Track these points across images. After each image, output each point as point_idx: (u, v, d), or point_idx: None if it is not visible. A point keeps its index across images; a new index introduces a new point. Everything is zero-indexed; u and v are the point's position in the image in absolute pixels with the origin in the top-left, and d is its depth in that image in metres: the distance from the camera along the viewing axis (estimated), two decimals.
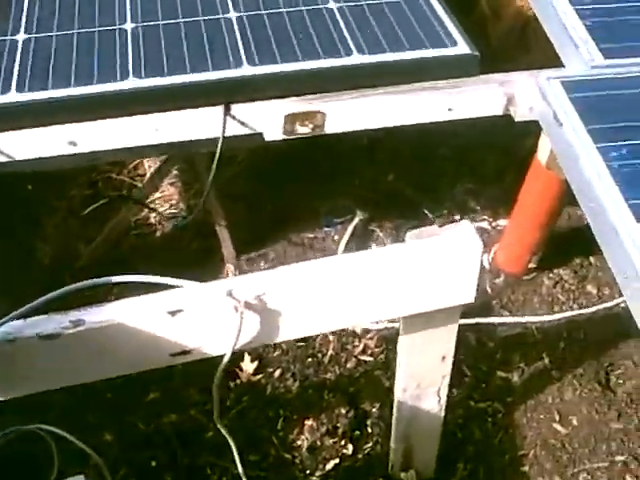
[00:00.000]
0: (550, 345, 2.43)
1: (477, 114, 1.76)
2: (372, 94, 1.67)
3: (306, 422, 2.25)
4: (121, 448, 2.18)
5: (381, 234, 2.64)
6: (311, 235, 2.65)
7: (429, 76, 1.69)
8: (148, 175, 2.79)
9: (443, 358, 1.78)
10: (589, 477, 2.16)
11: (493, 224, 2.71)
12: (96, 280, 1.36)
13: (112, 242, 2.58)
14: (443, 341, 1.73)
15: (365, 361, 2.36)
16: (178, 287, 1.38)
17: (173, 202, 2.77)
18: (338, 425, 2.24)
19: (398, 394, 1.87)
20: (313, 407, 2.29)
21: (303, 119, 1.72)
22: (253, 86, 1.66)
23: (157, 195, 2.73)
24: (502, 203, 2.74)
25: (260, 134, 1.71)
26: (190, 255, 2.61)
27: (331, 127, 1.73)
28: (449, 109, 1.70)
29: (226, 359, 1.37)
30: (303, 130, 1.73)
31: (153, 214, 2.70)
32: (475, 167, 2.87)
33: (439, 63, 1.68)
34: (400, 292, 1.48)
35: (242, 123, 1.69)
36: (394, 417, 1.93)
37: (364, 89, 1.71)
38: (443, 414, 1.93)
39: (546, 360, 2.38)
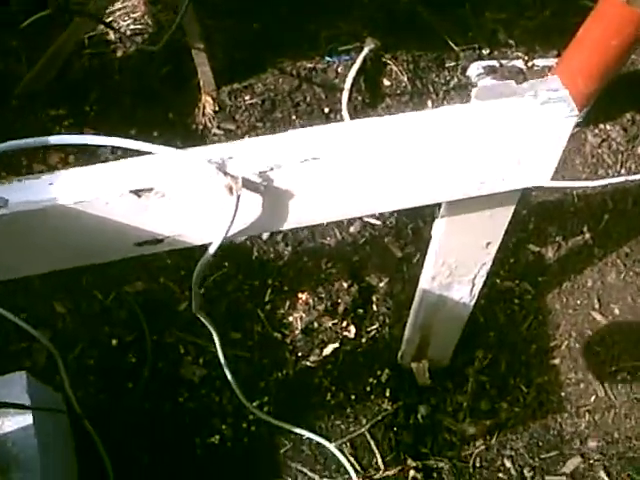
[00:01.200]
0: (592, 216, 2.04)
1: None
2: None
3: (300, 296, 1.87)
4: (75, 323, 1.79)
5: (396, 68, 2.15)
6: (309, 65, 2.13)
7: None
8: None
9: (487, 244, 1.40)
10: (629, 377, 1.84)
11: (529, 63, 2.23)
12: (27, 141, 0.90)
13: (59, 64, 2.05)
14: (492, 226, 1.34)
15: (372, 225, 1.96)
16: (147, 153, 0.94)
17: (137, 15, 2.22)
18: (339, 302, 1.86)
19: (425, 283, 1.50)
20: (308, 278, 1.90)
21: None
22: None
23: (118, 5, 2.18)
24: (540, 38, 2.28)
25: None
26: (158, 84, 2.12)
27: None
28: None
29: (212, 250, 0.99)
30: None
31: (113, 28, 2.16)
32: None
33: None
34: (458, 168, 1.06)
35: None
36: (414, 306, 1.56)
37: None
38: (473, 304, 1.56)
39: (587, 234, 2.00)
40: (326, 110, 2.09)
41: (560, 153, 1.13)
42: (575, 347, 1.86)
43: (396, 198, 1.10)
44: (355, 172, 1.00)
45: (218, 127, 2.03)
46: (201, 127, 2.04)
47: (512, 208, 1.31)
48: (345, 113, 2.05)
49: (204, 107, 2.04)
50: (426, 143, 1.00)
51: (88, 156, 1.99)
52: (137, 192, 0.92)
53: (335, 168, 0.98)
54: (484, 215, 1.29)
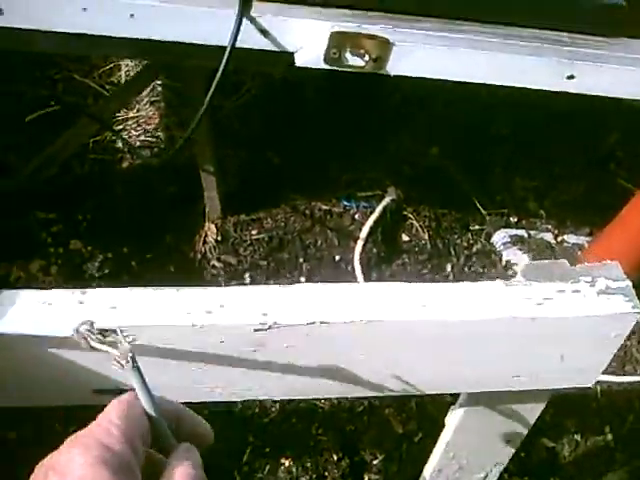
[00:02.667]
0: (616, 415, 1.84)
1: (612, 92, 1.24)
2: (465, 30, 1.15)
3: (282, 462, 1.65)
4: None
5: (416, 223, 2.00)
6: (325, 207, 1.99)
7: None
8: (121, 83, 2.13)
9: (507, 442, 1.21)
10: None
11: (559, 238, 2.09)
12: None
13: (57, 164, 1.90)
14: (516, 423, 1.15)
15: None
16: None
17: (150, 127, 2.09)
18: (325, 475, 1.63)
19: (429, 474, 1.28)
20: (295, 442, 1.68)
21: (358, 44, 1.17)
22: None
23: (131, 114, 2.06)
24: (572, 212, 2.15)
25: (288, 54, 1.19)
26: (160, 203, 1.95)
27: (396, 66, 1.16)
28: (569, 76, 1.21)
29: None
30: (354, 61, 1.21)
31: (122, 137, 2.02)
32: (540, 158, 2.24)
33: None
34: (490, 356, 0.88)
35: (263, 32, 1.14)
36: None
37: (457, 21, 1.15)
38: None
39: (608, 435, 1.80)
40: (337, 258, 1.92)
41: (613, 354, 0.96)
42: None
43: (408, 382, 0.90)
44: (367, 345, 0.82)
45: (218, 259, 1.86)
46: (199, 256, 1.87)
47: (542, 406, 1.13)
48: (357, 264, 1.89)
49: (206, 235, 1.88)
50: (455, 322, 0.82)
51: (72, 269, 1.81)
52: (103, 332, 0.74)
53: (346, 337, 0.80)
54: (508, 410, 1.10)
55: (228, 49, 1.09)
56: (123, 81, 2.13)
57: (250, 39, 1.13)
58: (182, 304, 0.76)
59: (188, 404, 0.71)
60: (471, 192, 2.13)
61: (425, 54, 1.15)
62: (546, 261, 0.90)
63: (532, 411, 1.13)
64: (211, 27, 1.11)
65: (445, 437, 1.21)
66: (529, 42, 1.16)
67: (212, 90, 1.14)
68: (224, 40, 1.10)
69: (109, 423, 0.58)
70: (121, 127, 2.06)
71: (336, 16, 1.13)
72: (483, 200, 2.13)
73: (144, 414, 0.61)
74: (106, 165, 2.02)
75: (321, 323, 0.77)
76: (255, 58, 1.21)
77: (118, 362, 0.62)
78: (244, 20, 1.10)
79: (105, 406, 0.64)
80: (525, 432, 1.19)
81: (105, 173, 2.00)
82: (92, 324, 0.66)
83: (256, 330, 0.77)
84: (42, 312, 0.75)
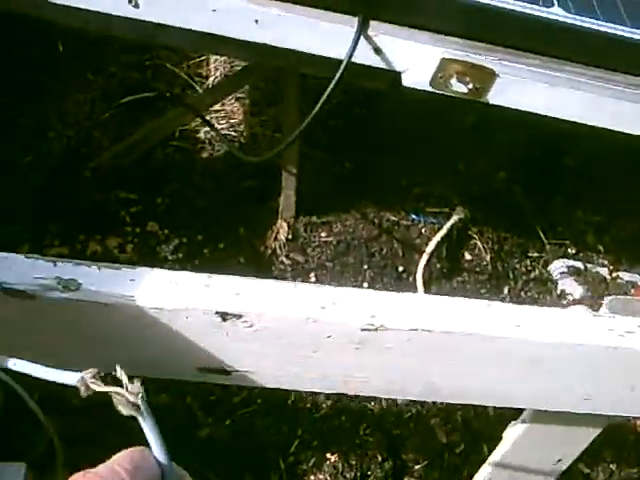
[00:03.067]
0: None
1: None
2: (566, 70, 1.20)
3: (328, 456, 1.71)
4: None
5: (480, 244, 2.06)
6: (393, 217, 2.05)
7: None
8: (212, 80, 2.20)
9: (558, 461, 1.25)
10: None
11: (613, 274, 2.14)
12: None
13: (145, 148, 1.99)
14: (572, 444, 1.21)
15: (422, 402, 1.80)
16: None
17: (234, 122, 2.17)
18: (369, 474, 1.70)
19: None
20: (342, 439, 1.74)
21: (464, 72, 1.21)
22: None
23: (216, 107, 2.13)
24: (628, 250, 2.19)
25: (395, 74, 1.25)
26: (237, 195, 2.02)
27: (497, 96, 1.22)
28: None
29: None
30: (458, 87, 1.24)
31: (205, 128, 2.10)
32: (605, 194, 2.28)
33: None
34: (565, 378, 0.94)
35: (377, 50, 1.16)
36: None
37: (559, 60, 1.21)
38: None
39: None
40: (400, 268, 1.98)
41: None
42: None
43: (486, 395, 0.97)
44: (458, 355, 0.88)
45: (287, 256, 1.93)
46: (270, 252, 1.94)
47: (599, 431, 1.19)
48: (419, 277, 1.95)
49: (278, 232, 1.95)
50: (545, 344, 0.88)
51: (147, 249, 1.89)
52: (224, 315, 0.81)
53: (442, 345, 0.86)
54: (567, 430, 1.16)
55: (345, 62, 1.16)
56: (212, 74, 2.21)
57: (363, 55, 1.19)
58: (299, 298, 0.84)
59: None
60: (534, 219, 2.18)
61: (526, 88, 1.21)
62: (629, 297, 0.96)
63: (588, 435, 1.18)
64: (330, 40, 1.18)
65: (502, 449, 1.26)
66: (626, 88, 1.22)
67: (323, 99, 1.20)
68: (341, 53, 1.17)
69: (118, 466, 0.54)
70: (207, 119, 2.13)
71: (445, 42, 1.20)
72: (544, 228, 2.18)
73: (156, 466, 0.57)
74: (188, 154, 2.09)
75: (422, 330, 0.84)
76: (363, 73, 1.28)
77: (127, 404, 0.57)
78: (361, 37, 1.17)
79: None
80: (577, 454, 1.24)
81: (186, 161, 2.07)
82: (97, 373, 0.59)
83: (363, 330, 0.84)
84: (169, 290, 0.82)
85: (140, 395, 0.56)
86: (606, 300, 0.95)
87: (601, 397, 0.98)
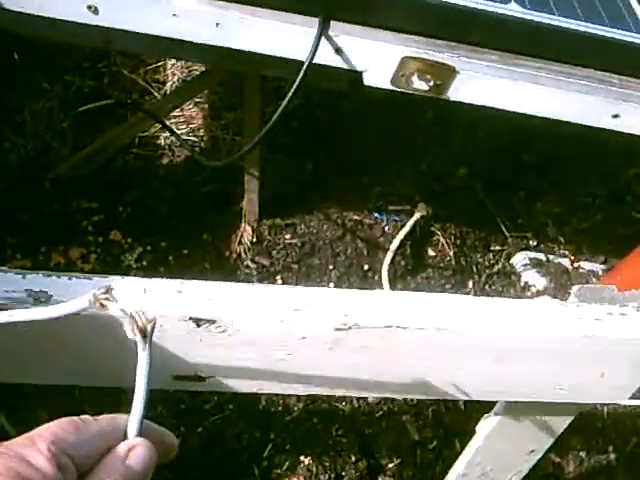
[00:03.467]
0: (619, 436, 1.91)
1: None
2: (526, 65, 1.23)
3: (302, 459, 1.71)
4: None
5: (443, 240, 2.07)
6: (356, 217, 2.06)
7: None
8: (169, 85, 2.19)
9: (531, 452, 1.26)
10: None
11: (575, 264, 2.17)
12: None
13: (105, 156, 1.97)
14: (543, 434, 1.21)
15: (392, 399, 1.80)
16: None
17: (194, 126, 2.16)
18: (343, 475, 1.70)
19: (453, 478, 1.34)
20: (315, 441, 1.74)
21: (424, 69, 1.22)
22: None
23: (176, 112, 2.12)
24: (589, 241, 2.22)
25: (357, 73, 1.26)
26: (199, 200, 2.01)
27: (457, 92, 1.24)
28: (614, 115, 1.29)
29: None
30: (419, 85, 1.26)
31: (165, 134, 2.09)
32: (564, 187, 2.32)
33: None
34: (536, 368, 0.95)
35: (338, 51, 1.18)
36: None
37: (517, 55, 1.23)
38: None
39: (611, 455, 1.87)
40: (365, 267, 1.99)
41: None
42: None
43: (461, 389, 0.98)
44: (434, 351, 0.88)
45: (252, 260, 1.92)
46: (234, 256, 1.93)
47: (570, 419, 1.20)
48: (385, 275, 1.96)
49: (242, 236, 1.94)
50: (515, 336, 0.89)
51: (111, 258, 1.87)
52: (197, 321, 0.81)
53: (417, 342, 0.86)
54: (539, 421, 1.17)
55: (306, 64, 1.16)
56: (169, 79, 2.19)
57: (325, 56, 1.19)
58: (271, 300, 0.83)
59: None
60: (495, 214, 2.21)
61: (486, 84, 1.22)
62: (598, 285, 0.98)
63: (560, 423, 1.19)
64: (292, 42, 1.18)
65: (475, 443, 1.26)
66: (582, 81, 1.24)
67: (285, 102, 1.20)
68: (302, 55, 1.17)
69: (37, 436, 0.51)
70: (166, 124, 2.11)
71: (407, 41, 1.20)
72: (506, 222, 2.20)
73: (95, 434, 0.54)
74: (148, 161, 2.07)
75: (397, 327, 0.84)
76: (324, 74, 1.29)
77: (135, 328, 0.54)
78: (322, 38, 1.17)
79: None
80: (550, 443, 1.25)
81: (147, 168, 2.05)
82: (109, 289, 0.57)
83: (337, 329, 0.84)
84: (142, 297, 0.81)
85: (153, 323, 0.54)
86: (574, 289, 0.96)
87: (572, 386, 0.99)
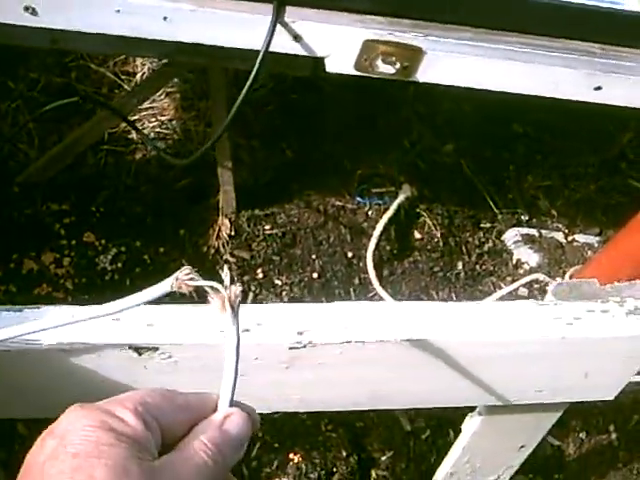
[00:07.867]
0: (620, 414, 1.86)
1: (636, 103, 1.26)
2: (498, 40, 1.16)
3: (291, 457, 1.66)
4: None
5: (429, 221, 2.00)
6: (338, 203, 1.99)
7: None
8: (139, 76, 2.11)
9: (521, 448, 1.22)
10: None
11: (569, 237, 2.10)
12: None
13: (73, 155, 1.89)
14: (532, 430, 1.17)
15: None
16: None
17: (165, 119, 2.08)
18: (334, 471, 1.65)
19: (442, 477, 1.29)
20: (304, 438, 1.68)
21: (389, 52, 1.17)
22: None
23: (146, 104, 2.04)
24: (583, 212, 2.16)
25: (318, 60, 1.18)
26: (173, 196, 1.95)
27: (426, 73, 1.20)
28: (596, 87, 1.21)
29: None
30: (385, 68, 1.20)
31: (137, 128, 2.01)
32: (553, 157, 2.24)
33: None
34: (515, 371, 0.89)
35: (296, 37, 1.14)
36: None
37: (489, 30, 1.16)
38: None
39: (613, 434, 1.82)
40: (349, 254, 1.92)
41: (635, 371, 0.98)
42: None
43: (433, 398, 0.92)
44: (398, 363, 0.82)
45: (231, 254, 1.86)
46: (213, 251, 1.86)
47: (558, 415, 1.15)
48: (369, 261, 1.89)
49: (219, 230, 1.87)
50: (487, 343, 0.83)
51: (86, 261, 1.81)
52: (138, 349, 0.75)
53: (378, 355, 0.80)
54: (525, 418, 1.12)
55: (261, 54, 1.08)
56: (139, 71, 2.12)
57: (282, 44, 1.12)
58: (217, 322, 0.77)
59: None
60: (483, 190, 2.13)
61: (456, 63, 1.15)
62: (576, 280, 0.91)
63: (548, 419, 1.14)
64: (245, 31, 1.11)
65: (461, 442, 1.22)
66: (561, 53, 1.16)
67: (243, 95, 1.13)
68: (258, 44, 1.10)
69: (125, 398, 0.53)
70: (136, 117, 2.04)
71: (368, 23, 1.13)
72: (495, 198, 2.13)
73: (182, 405, 0.56)
74: (120, 156, 2.00)
75: (356, 342, 0.78)
76: (285, 62, 1.22)
77: (223, 305, 0.53)
78: (277, 25, 1.10)
79: None
80: (540, 438, 1.21)
81: (119, 165, 1.98)
82: (192, 270, 0.54)
83: (291, 348, 0.78)
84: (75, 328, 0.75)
85: (239, 298, 0.54)
86: (551, 287, 0.90)
87: (554, 389, 0.93)
